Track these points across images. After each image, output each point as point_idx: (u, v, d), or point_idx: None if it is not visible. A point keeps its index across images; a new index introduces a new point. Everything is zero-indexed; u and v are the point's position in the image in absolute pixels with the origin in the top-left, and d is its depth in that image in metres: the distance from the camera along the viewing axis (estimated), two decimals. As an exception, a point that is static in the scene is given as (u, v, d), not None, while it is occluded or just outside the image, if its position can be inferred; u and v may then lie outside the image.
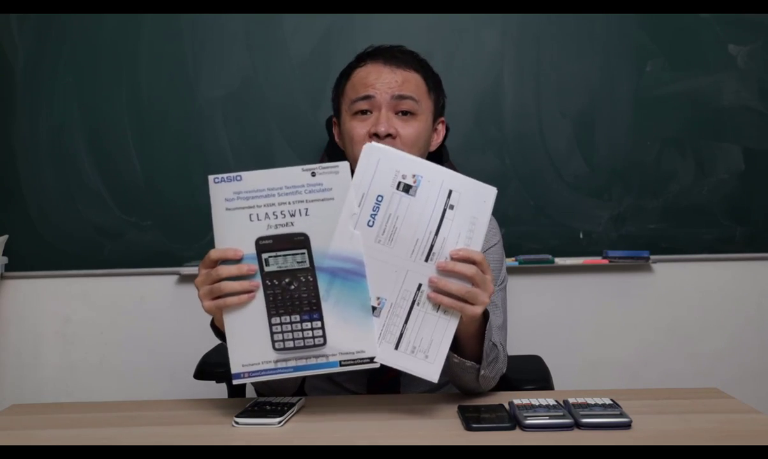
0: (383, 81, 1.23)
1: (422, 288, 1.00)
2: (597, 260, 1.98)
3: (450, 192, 1.00)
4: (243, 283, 0.99)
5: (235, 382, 1.00)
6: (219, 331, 1.10)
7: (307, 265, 0.99)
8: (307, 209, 0.98)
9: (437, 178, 1.00)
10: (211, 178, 0.98)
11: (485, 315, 1.07)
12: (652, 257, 1.98)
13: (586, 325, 2.03)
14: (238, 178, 0.98)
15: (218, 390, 1.51)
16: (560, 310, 2.03)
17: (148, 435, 1.01)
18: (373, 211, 1.00)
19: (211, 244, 1.91)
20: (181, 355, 1.71)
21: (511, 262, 1.93)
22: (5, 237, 1.96)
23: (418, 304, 1.01)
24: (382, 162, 1.00)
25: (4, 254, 1.96)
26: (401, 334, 1.00)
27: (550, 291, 2.02)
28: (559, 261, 1.97)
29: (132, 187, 1.97)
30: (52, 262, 1.99)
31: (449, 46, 1.95)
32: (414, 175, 1.00)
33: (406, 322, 1.00)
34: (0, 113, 1.96)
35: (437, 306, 1.01)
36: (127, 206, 1.98)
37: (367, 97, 1.23)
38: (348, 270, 0.99)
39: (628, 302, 2.03)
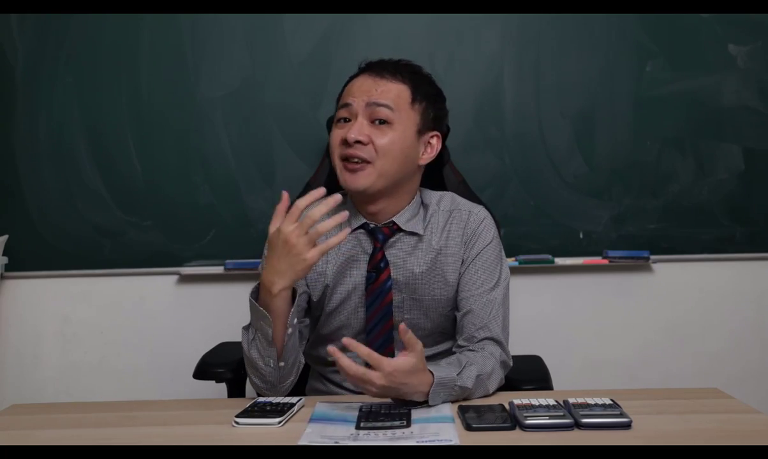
0: (362, 89, 1.24)
1: None
2: (597, 260, 1.98)
3: None
4: (335, 218, 1.08)
5: None
6: (257, 309, 1.14)
7: None
8: None
9: None
10: None
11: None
12: (652, 257, 1.98)
13: (586, 325, 2.03)
14: None
15: (218, 390, 1.50)
16: (560, 310, 2.03)
17: (148, 435, 1.01)
18: None
19: (211, 244, 1.92)
20: (181, 355, 1.70)
21: (511, 262, 1.93)
22: (5, 237, 1.96)
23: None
24: None
25: (4, 254, 1.96)
26: None
27: (550, 291, 2.02)
28: (559, 261, 1.97)
29: (132, 187, 1.97)
30: (52, 262, 1.99)
31: (449, 46, 1.95)
32: None
33: None
34: (0, 113, 1.96)
35: None
36: (127, 206, 1.98)
37: (345, 105, 1.25)
38: None
39: (628, 302, 2.03)
